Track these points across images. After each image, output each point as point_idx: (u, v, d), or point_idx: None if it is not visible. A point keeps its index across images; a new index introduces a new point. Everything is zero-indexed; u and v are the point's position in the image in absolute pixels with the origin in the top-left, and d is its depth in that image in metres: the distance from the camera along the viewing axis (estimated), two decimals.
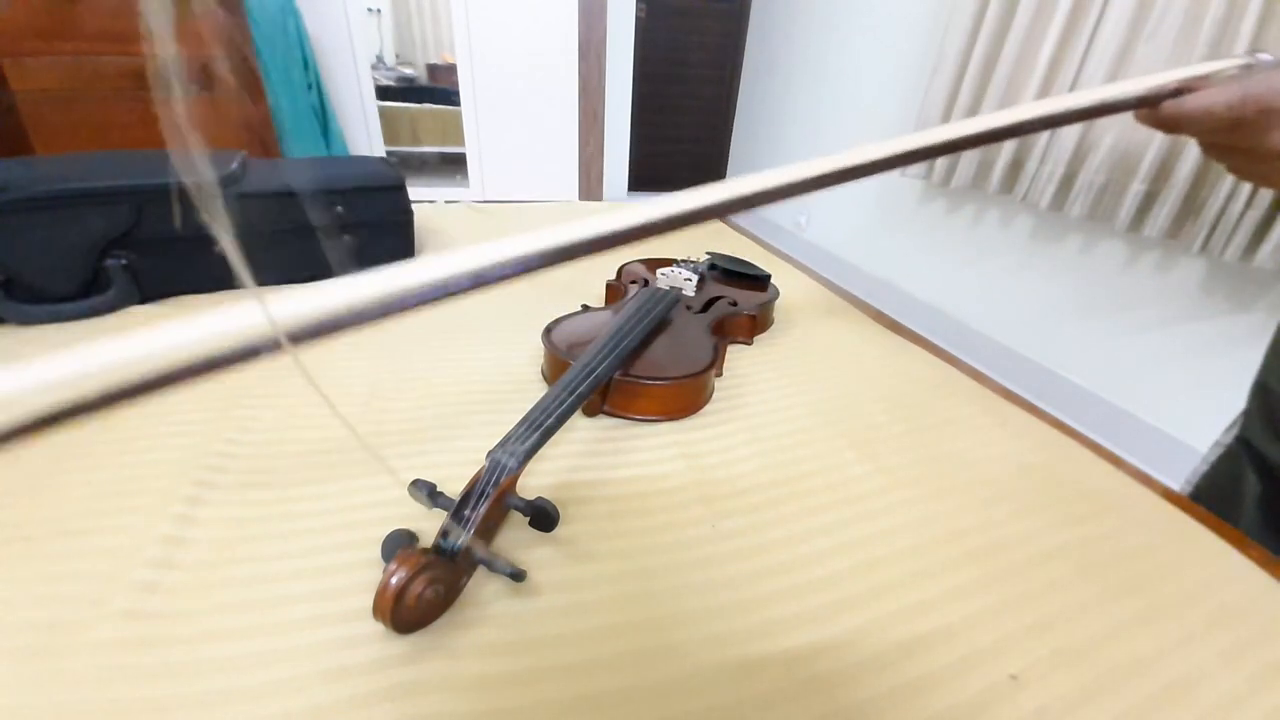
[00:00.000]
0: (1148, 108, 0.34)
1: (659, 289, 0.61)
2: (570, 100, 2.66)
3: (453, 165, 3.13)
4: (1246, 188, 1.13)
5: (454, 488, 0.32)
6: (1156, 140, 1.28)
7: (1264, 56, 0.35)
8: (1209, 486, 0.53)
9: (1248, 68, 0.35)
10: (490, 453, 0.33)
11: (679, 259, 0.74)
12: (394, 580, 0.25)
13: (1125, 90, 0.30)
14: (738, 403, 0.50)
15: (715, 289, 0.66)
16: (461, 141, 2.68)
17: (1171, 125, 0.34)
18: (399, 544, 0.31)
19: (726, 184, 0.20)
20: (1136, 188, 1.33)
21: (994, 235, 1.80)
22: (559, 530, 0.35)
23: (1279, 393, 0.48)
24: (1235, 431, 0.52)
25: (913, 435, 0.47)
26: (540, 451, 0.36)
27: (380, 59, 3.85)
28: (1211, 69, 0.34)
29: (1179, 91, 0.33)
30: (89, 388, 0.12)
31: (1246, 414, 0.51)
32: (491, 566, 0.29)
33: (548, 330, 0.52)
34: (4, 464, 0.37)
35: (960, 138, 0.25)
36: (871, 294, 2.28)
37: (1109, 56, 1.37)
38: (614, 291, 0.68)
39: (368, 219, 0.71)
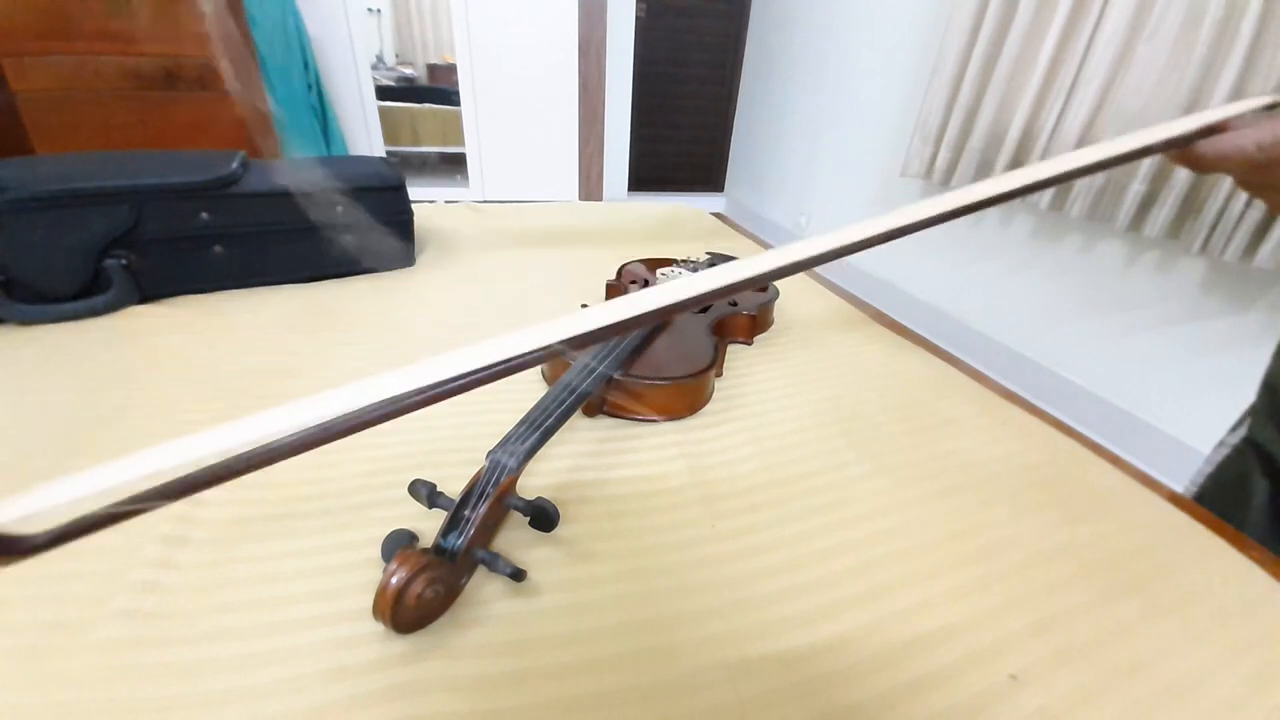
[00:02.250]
0: (1178, 149, 0.34)
1: None
2: (570, 100, 2.66)
3: (453, 165, 3.13)
4: None
5: (454, 488, 0.32)
6: None
7: None
8: (1214, 488, 0.53)
9: (1275, 105, 0.35)
10: (490, 453, 0.33)
11: (679, 259, 0.74)
12: (394, 580, 0.25)
13: (1156, 135, 0.31)
14: (738, 403, 0.50)
15: None
16: (461, 141, 2.68)
17: (1204, 165, 0.34)
18: (399, 544, 0.31)
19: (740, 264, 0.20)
20: (1136, 188, 1.33)
21: (994, 235, 1.80)
22: (559, 530, 0.35)
23: None
24: (1242, 432, 0.52)
25: (913, 435, 0.47)
26: (540, 451, 0.36)
27: (380, 59, 3.85)
28: (1240, 109, 0.34)
29: (1210, 131, 0.33)
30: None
31: (1254, 414, 0.51)
32: (491, 566, 0.29)
33: None
34: (3, 464, 0.37)
35: (989, 197, 0.25)
36: (871, 294, 2.28)
37: (1109, 56, 1.37)
38: (614, 291, 0.68)
39: (368, 219, 0.71)
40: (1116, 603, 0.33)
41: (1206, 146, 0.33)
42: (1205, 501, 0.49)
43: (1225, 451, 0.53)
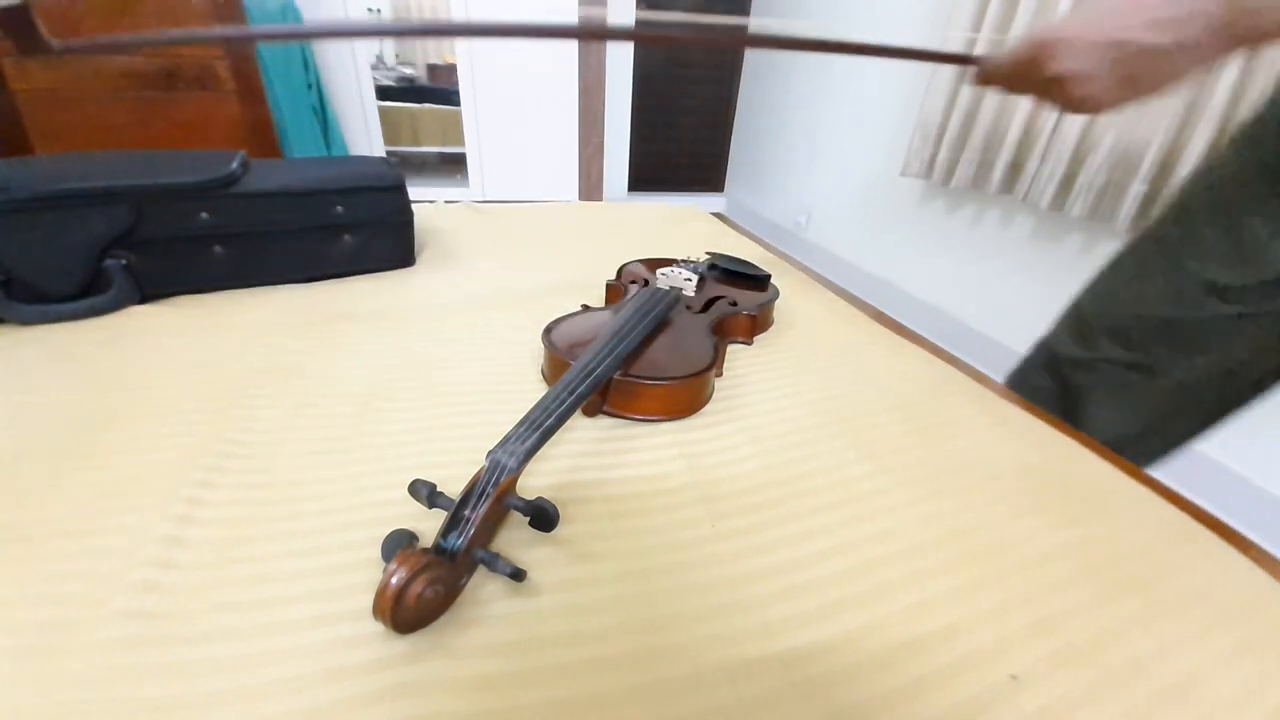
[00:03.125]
0: (969, 65, 0.47)
1: (659, 289, 0.61)
2: (570, 100, 2.66)
3: (453, 165, 3.12)
4: None
5: (454, 488, 0.32)
6: (1157, 140, 1.28)
7: None
8: (1019, 373, 0.68)
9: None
10: (490, 453, 0.33)
11: (679, 259, 0.74)
12: (394, 580, 0.25)
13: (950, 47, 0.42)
14: (738, 403, 0.50)
15: (715, 289, 0.66)
16: (461, 141, 2.67)
17: (984, 80, 0.47)
18: (399, 544, 0.31)
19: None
20: (1136, 188, 1.32)
21: (994, 235, 1.80)
22: (559, 530, 0.35)
23: (1090, 320, 0.61)
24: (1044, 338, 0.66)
25: (913, 435, 0.47)
26: (540, 451, 0.36)
27: (380, 59, 3.85)
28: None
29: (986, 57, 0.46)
30: None
31: (1056, 324, 0.65)
32: (491, 566, 0.29)
33: (547, 330, 0.52)
34: (3, 464, 0.37)
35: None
36: (871, 294, 2.28)
37: None
38: (614, 291, 0.67)
39: (368, 219, 0.71)
40: (1116, 603, 0.32)
41: (982, 65, 0.46)
42: (1014, 382, 0.67)
43: (1031, 350, 0.68)
